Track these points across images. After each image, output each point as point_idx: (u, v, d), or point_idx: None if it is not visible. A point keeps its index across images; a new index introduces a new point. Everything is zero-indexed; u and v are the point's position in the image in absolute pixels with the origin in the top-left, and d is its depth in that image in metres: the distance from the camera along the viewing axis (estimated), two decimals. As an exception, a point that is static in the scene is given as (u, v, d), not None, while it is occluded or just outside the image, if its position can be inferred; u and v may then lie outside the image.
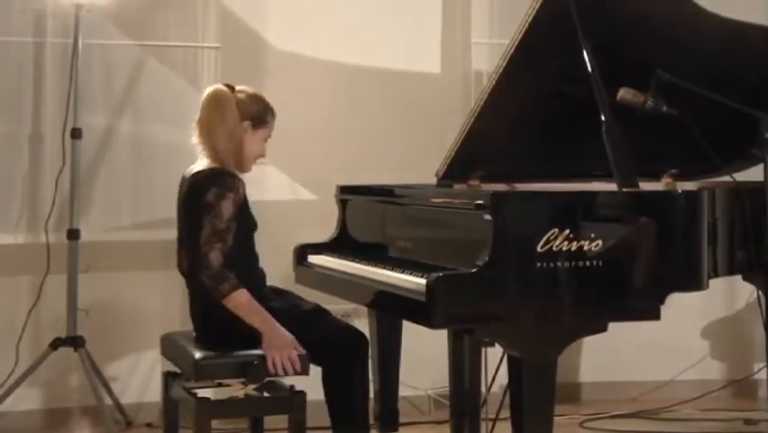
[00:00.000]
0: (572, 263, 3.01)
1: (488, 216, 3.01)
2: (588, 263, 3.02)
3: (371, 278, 3.46)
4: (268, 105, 3.56)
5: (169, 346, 3.64)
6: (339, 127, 4.86)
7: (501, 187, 3.86)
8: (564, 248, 3.00)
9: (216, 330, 3.39)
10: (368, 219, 3.92)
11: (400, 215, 3.70)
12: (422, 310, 2.99)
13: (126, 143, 4.89)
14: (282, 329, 3.31)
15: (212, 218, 3.30)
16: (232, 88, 3.52)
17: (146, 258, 4.87)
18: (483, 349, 3.84)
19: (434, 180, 3.90)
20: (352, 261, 3.69)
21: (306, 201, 4.86)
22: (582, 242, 3.02)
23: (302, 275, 3.98)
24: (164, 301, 4.84)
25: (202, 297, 3.40)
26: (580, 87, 3.41)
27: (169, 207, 4.78)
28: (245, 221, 3.43)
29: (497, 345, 3.26)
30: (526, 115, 3.76)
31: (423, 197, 3.60)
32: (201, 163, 3.49)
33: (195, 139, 3.52)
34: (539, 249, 2.98)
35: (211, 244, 3.29)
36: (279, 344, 3.29)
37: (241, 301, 3.30)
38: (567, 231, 3.00)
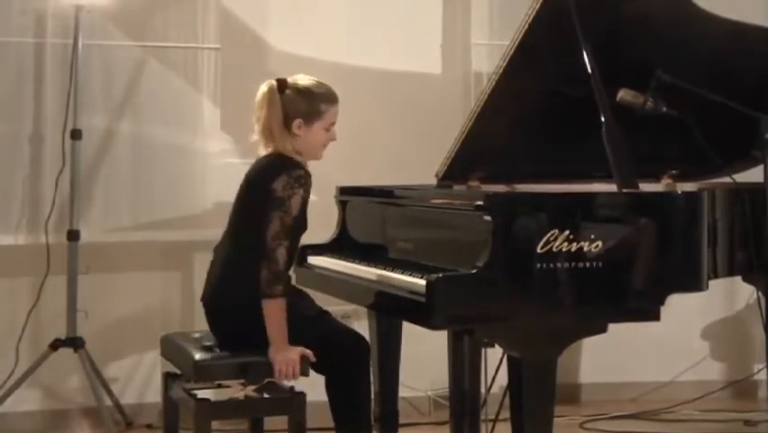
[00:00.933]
0: (572, 264, 3.01)
1: (487, 217, 3.00)
2: (587, 264, 3.02)
3: (371, 279, 3.46)
4: (319, 95, 3.44)
5: (169, 347, 3.63)
6: (338, 128, 4.83)
7: (501, 188, 3.86)
8: (564, 249, 3.00)
9: (233, 318, 3.39)
10: (368, 220, 3.92)
11: (400, 216, 3.70)
12: (422, 311, 2.99)
13: (126, 144, 4.88)
14: (290, 347, 3.29)
15: (281, 214, 3.26)
16: (283, 84, 3.43)
17: (146, 259, 4.88)
18: (483, 350, 3.84)
19: (433, 181, 3.90)
20: (352, 262, 3.69)
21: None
22: (582, 243, 3.01)
23: (302, 276, 3.97)
24: (164, 302, 4.84)
25: (231, 278, 3.38)
26: (580, 88, 3.41)
27: (169, 208, 4.83)
28: (300, 221, 3.37)
29: (496, 345, 3.26)
30: (526, 116, 3.76)
31: (423, 198, 3.60)
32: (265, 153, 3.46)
33: (255, 135, 3.47)
34: (539, 250, 2.98)
35: (279, 240, 3.25)
36: (287, 357, 3.28)
37: (279, 311, 3.27)
38: (567, 232, 3.00)
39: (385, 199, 3.77)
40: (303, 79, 3.48)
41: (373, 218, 3.86)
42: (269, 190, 3.28)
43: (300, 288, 3.65)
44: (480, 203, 3.06)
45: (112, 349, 4.84)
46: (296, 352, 3.29)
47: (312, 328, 3.41)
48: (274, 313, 3.27)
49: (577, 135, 3.57)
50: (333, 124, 3.49)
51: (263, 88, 3.46)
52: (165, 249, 4.83)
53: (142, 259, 4.87)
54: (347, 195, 4.04)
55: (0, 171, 4.77)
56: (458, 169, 3.85)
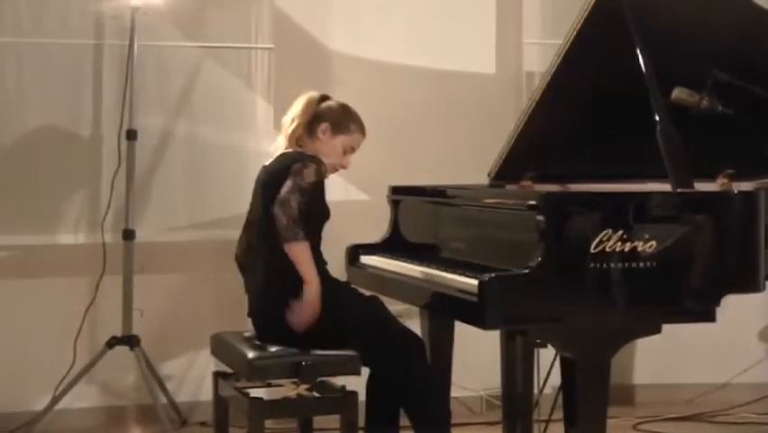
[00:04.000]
0: (626, 264, 2.99)
1: (540, 217, 2.99)
2: (641, 264, 2.99)
3: (424, 279, 3.46)
4: (354, 116, 3.63)
5: (220, 346, 3.65)
6: (392, 128, 4.84)
7: (553, 187, 3.83)
8: (618, 249, 2.98)
9: (275, 318, 3.42)
10: (420, 220, 3.91)
11: (453, 215, 3.68)
12: (474, 311, 2.99)
13: (181, 144, 4.91)
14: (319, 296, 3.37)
15: (295, 177, 3.37)
16: (325, 97, 3.63)
17: (200, 258, 4.90)
18: (536, 350, 3.83)
19: (486, 181, 3.89)
20: (405, 261, 3.69)
21: (358, 202, 4.87)
22: (636, 243, 2.99)
23: (354, 276, 3.97)
24: (218, 301, 4.86)
25: (264, 281, 3.44)
26: (634, 87, 3.38)
27: (223, 208, 4.85)
28: (319, 206, 3.47)
29: (549, 345, 3.25)
30: (579, 115, 3.73)
31: (475, 197, 3.59)
32: (282, 147, 3.61)
33: (281, 139, 3.62)
34: (592, 250, 2.96)
35: (293, 193, 3.35)
36: (314, 308, 3.36)
37: (306, 251, 3.35)
38: (620, 232, 2.98)
39: (437, 199, 3.77)
40: (342, 102, 3.66)
41: (426, 218, 3.85)
42: (288, 170, 3.41)
43: (349, 283, 3.68)
44: (533, 202, 3.05)
45: (167, 348, 4.88)
46: (317, 307, 3.37)
47: (369, 318, 3.45)
48: (303, 256, 3.35)
49: (630, 135, 3.56)
50: (353, 150, 3.63)
51: (308, 94, 3.62)
52: (218, 248, 4.83)
53: (196, 258, 4.90)
54: (399, 194, 4.03)
55: (58, 171, 4.82)
56: (510, 168, 3.83)
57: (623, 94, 3.54)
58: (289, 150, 3.57)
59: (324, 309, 3.38)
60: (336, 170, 3.64)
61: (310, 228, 3.41)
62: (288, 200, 3.33)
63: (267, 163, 3.61)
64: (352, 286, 3.64)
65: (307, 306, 3.36)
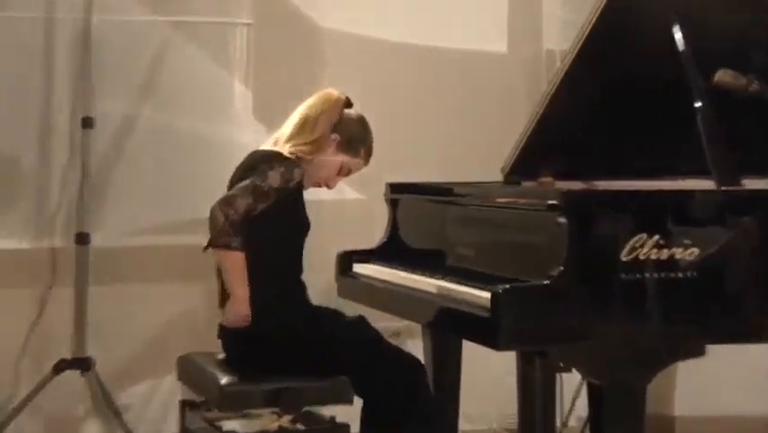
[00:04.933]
0: (663, 275, 2.98)
1: (562, 219, 2.99)
2: (681, 275, 2.99)
3: (426, 290, 3.46)
4: (368, 138, 3.68)
5: (188, 370, 3.64)
6: (390, 116, 4.81)
7: (578, 185, 3.83)
8: (653, 256, 2.97)
9: (252, 339, 3.41)
10: (422, 222, 3.91)
11: (460, 217, 3.68)
12: (486, 328, 2.99)
13: (146, 134, 4.89)
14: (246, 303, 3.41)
15: (256, 178, 3.40)
16: (348, 104, 3.66)
17: (168, 267, 4.88)
18: (558, 375, 3.86)
19: (499, 177, 3.89)
20: (404, 270, 3.70)
21: (350, 201, 4.86)
22: (674, 249, 2.98)
23: (346, 287, 3.98)
24: (187, 318, 4.84)
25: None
26: (670, 70, 3.39)
27: (194, 208, 4.80)
28: (294, 216, 3.51)
29: (574, 370, 3.27)
30: (607, 102, 3.72)
31: (487, 196, 3.59)
32: (266, 146, 3.63)
33: (288, 128, 3.63)
34: (623, 258, 2.96)
35: (245, 192, 3.37)
36: (240, 309, 3.40)
37: (240, 262, 3.38)
38: (656, 236, 2.97)
39: (443, 198, 3.77)
40: (362, 116, 3.69)
41: (429, 220, 3.85)
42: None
43: (332, 308, 3.66)
44: (553, 202, 3.04)
45: (125, 372, 4.85)
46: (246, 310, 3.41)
47: (354, 343, 3.42)
48: (234, 267, 3.39)
49: (666, 125, 3.58)
50: (348, 174, 3.69)
51: (330, 92, 3.65)
52: (189, 255, 4.80)
53: (163, 267, 4.88)
54: (398, 193, 4.03)
55: (3, 165, 4.79)
56: (528, 162, 3.82)
57: (658, 78, 3.53)
58: (266, 147, 3.60)
59: (303, 342, 3.39)
60: (319, 186, 3.69)
61: (284, 244, 3.46)
62: (233, 200, 3.36)
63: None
64: (336, 310, 3.62)
65: (234, 321, 3.41)
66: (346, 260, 4.01)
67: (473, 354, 3.49)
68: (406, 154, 4.77)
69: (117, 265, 4.82)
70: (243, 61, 4.95)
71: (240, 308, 3.39)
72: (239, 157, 3.67)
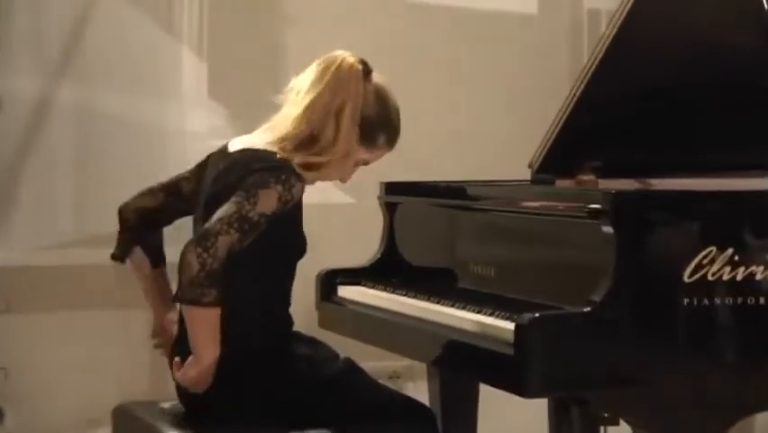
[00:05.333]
0: (738, 300, 3.01)
1: (608, 229, 3.01)
2: (763, 301, 3.01)
3: (432, 320, 3.46)
4: (390, 123, 3.57)
5: (125, 424, 3.63)
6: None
7: (628, 184, 3.84)
8: (726, 277, 3.00)
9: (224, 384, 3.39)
10: (427, 233, 3.93)
11: (476, 226, 3.71)
12: (509, 369, 2.99)
13: (67, 119, 4.91)
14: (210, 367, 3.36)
15: (242, 201, 3.30)
16: (368, 71, 3.54)
17: (96, 290, 4.89)
18: (602, 428, 3.84)
19: (526, 175, 3.89)
20: (404, 295, 3.70)
21: (336, 206, 4.89)
22: (754, 267, 3.01)
23: (328, 316, 4.00)
24: (124, 355, 4.85)
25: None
26: (750, 39, 3.45)
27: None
28: (292, 237, 3.45)
29: (622, 422, 3.25)
30: (664, 78, 3.75)
31: (510, 199, 3.60)
32: (258, 138, 3.51)
33: (285, 108, 3.52)
34: (686, 278, 2.98)
35: (228, 226, 3.27)
36: (202, 372, 3.34)
37: (212, 322, 3.30)
38: (730, 250, 3.00)
39: (453, 201, 3.79)
40: (386, 86, 3.58)
41: (435, 230, 3.88)
42: (240, 184, 3.34)
43: (308, 335, 3.66)
44: (597, 207, 3.06)
45: (43, 424, 4.86)
46: (207, 374, 3.36)
47: (337, 393, 3.42)
48: (203, 326, 3.31)
49: (739, 110, 3.63)
50: (365, 164, 3.60)
51: (337, 56, 3.51)
52: (124, 275, 4.83)
53: (91, 290, 4.90)
54: (397, 194, 4.06)
55: None
56: (563, 156, 3.82)
57: (742, 49, 3.58)
58: (257, 140, 3.49)
59: (280, 391, 3.38)
60: (327, 180, 3.61)
61: (274, 267, 3.43)
62: (212, 240, 3.26)
63: (231, 149, 3.55)
64: (322, 344, 3.63)
65: (192, 385, 3.37)
66: (329, 281, 4.01)
67: (493, 402, 3.49)
68: (408, 145, 4.77)
69: (30, 288, 4.85)
70: (194, 26, 4.97)
71: (202, 375, 3.34)
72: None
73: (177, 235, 3.60)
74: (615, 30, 3.65)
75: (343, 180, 3.59)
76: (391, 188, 4.07)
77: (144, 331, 3.74)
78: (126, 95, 4.93)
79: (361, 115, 3.48)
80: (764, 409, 3.16)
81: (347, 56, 3.50)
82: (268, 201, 3.30)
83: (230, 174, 3.41)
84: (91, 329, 4.88)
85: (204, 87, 4.91)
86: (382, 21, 5.05)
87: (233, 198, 3.29)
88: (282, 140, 3.42)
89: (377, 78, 3.54)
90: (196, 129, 4.89)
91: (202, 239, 3.23)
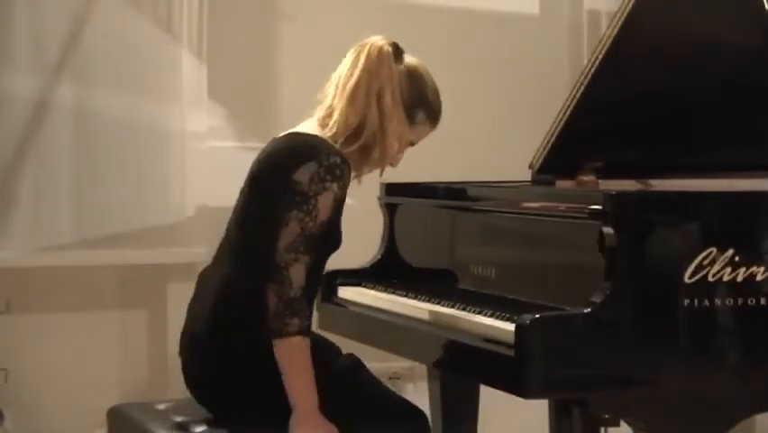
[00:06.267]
0: (738, 301, 3.01)
1: (608, 229, 3.00)
2: (764, 301, 3.02)
3: (433, 321, 3.47)
4: (427, 96, 3.58)
5: (120, 425, 3.62)
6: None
7: (628, 185, 3.85)
8: (726, 278, 3.00)
9: (235, 377, 3.37)
10: (428, 234, 3.94)
11: (476, 227, 3.71)
12: (509, 370, 2.99)
13: (65, 120, 4.91)
14: (321, 417, 3.29)
15: (303, 216, 3.28)
16: (399, 53, 3.54)
17: (96, 291, 4.90)
18: (602, 429, 3.85)
19: (526, 175, 3.89)
20: (404, 296, 3.71)
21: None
22: (755, 268, 3.01)
23: (328, 317, 3.99)
24: (121, 355, 4.85)
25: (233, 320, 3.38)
26: (748, 40, 3.46)
27: (130, 216, 4.83)
28: (333, 232, 3.41)
29: (622, 423, 3.26)
30: (666, 78, 3.75)
31: (511, 200, 3.60)
32: (306, 126, 3.49)
33: (320, 96, 3.52)
34: (687, 279, 2.98)
35: (296, 252, 3.27)
36: (313, 427, 3.28)
37: (299, 355, 3.27)
38: (730, 251, 3.00)
39: (454, 202, 3.79)
40: (420, 65, 3.58)
41: (436, 231, 3.88)
42: (290, 182, 3.30)
43: (319, 333, 3.66)
44: (597, 207, 3.06)
45: (43, 425, 4.86)
46: (328, 425, 3.28)
47: (341, 391, 3.42)
48: (292, 358, 3.27)
49: (743, 109, 3.64)
50: (411, 144, 3.58)
51: (370, 45, 3.49)
52: (124, 276, 4.85)
53: (90, 291, 4.91)
54: (397, 195, 4.06)
55: None
56: (563, 156, 3.82)
57: (732, 50, 3.60)
58: (303, 131, 3.46)
59: (275, 388, 3.32)
60: (378, 168, 3.58)
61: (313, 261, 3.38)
62: (285, 270, 3.25)
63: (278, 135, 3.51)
64: (331, 343, 3.63)
65: (299, 427, 3.28)
66: (329, 282, 4.00)
67: (493, 403, 3.49)
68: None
69: (30, 290, 4.86)
70: (194, 27, 4.97)
71: (310, 425, 3.26)
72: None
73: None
74: (615, 30, 3.65)
75: (394, 164, 3.55)
76: (391, 189, 4.07)
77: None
78: (126, 95, 4.93)
79: (399, 99, 3.46)
80: (765, 409, 3.17)
81: (376, 41, 3.49)
82: (325, 206, 3.29)
83: (279, 155, 3.39)
84: (91, 330, 4.89)
85: (203, 87, 4.90)
86: (382, 21, 5.04)
87: (294, 214, 3.26)
88: (334, 134, 3.41)
89: (409, 59, 3.54)
90: (195, 129, 4.89)
91: (275, 275, 3.24)
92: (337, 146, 3.38)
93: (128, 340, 4.79)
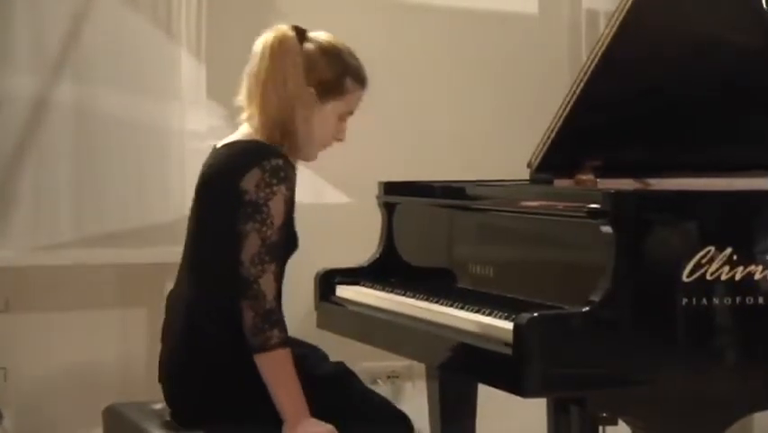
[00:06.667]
0: (737, 300, 3.01)
1: (607, 228, 3.01)
2: (762, 300, 3.02)
3: (431, 320, 3.47)
4: (349, 66, 3.54)
5: (115, 424, 3.63)
6: (387, 96, 4.84)
7: (627, 183, 3.85)
8: (724, 276, 3.00)
9: (216, 390, 3.37)
10: (426, 233, 3.94)
11: (475, 226, 3.71)
12: (508, 369, 2.99)
13: (65, 118, 4.90)
14: (312, 420, 3.29)
15: (260, 226, 3.27)
16: (302, 34, 3.51)
17: (95, 290, 4.90)
18: (601, 428, 3.85)
19: (525, 174, 3.88)
20: (403, 294, 3.71)
21: (333, 206, 4.89)
22: (752, 267, 3.01)
23: (327, 316, 4.00)
24: (119, 354, 4.86)
25: (201, 334, 3.38)
26: (755, 37, 3.45)
27: (129, 215, 4.83)
28: (288, 234, 3.40)
29: (621, 422, 3.26)
30: (664, 77, 3.75)
31: (509, 199, 3.60)
32: (241, 132, 3.49)
33: (240, 100, 3.52)
34: (685, 278, 2.98)
35: (263, 264, 3.26)
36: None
37: (282, 365, 3.27)
38: (729, 250, 3.00)
39: (452, 201, 3.79)
40: (328, 37, 3.55)
41: (434, 230, 3.88)
42: (238, 193, 3.29)
43: (300, 339, 3.65)
44: (596, 206, 3.06)
45: (42, 425, 4.86)
46: (322, 427, 3.28)
47: (329, 395, 3.42)
48: (276, 371, 3.27)
49: (740, 110, 3.65)
50: (350, 114, 3.56)
51: (267, 35, 3.48)
52: (123, 275, 4.85)
53: (90, 290, 4.90)
54: (395, 194, 4.06)
55: None
56: (562, 155, 3.82)
57: (732, 50, 3.60)
58: (240, 138, 3.48)
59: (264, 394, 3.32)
60: (325, 147, 3.57)
61: None
62: (254, 282, 3.25)
63: (218, 145, 3.54)
64: (317, 348, 3.62)
65: None
66: (328, 281, 4.02)
67: (492, 401, 3.49)
68: (406, 145, 4.78)
69: (29, 289, 4.86)
70: (192, 27, 4.98)
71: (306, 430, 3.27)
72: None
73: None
74: (614, 29, 3.65)
75: (340, 139, 3.55)
76: (390, 188, 4.07)
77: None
78: (125, 94, 4.92)
79: (317, 76, 3.45)
80: (763, 408, 3.17)
81: (276, 30, 3.49)
82: (278, 211, 3.28)
83: (221, 166, 3.40)
84: (90, 329, 4.88)
85: (202, 86, 4.91)
86: (382, 22, 5.06)
87: (250, 226, 3.26)
88: (268, 135, 3.41)
89: (314, 35, 3.52)
90: (194, 129, 4.89)
91: (246, 290, 3.24)
92: (274, 146, 3.38)
93: (128, 339, 4.79)
